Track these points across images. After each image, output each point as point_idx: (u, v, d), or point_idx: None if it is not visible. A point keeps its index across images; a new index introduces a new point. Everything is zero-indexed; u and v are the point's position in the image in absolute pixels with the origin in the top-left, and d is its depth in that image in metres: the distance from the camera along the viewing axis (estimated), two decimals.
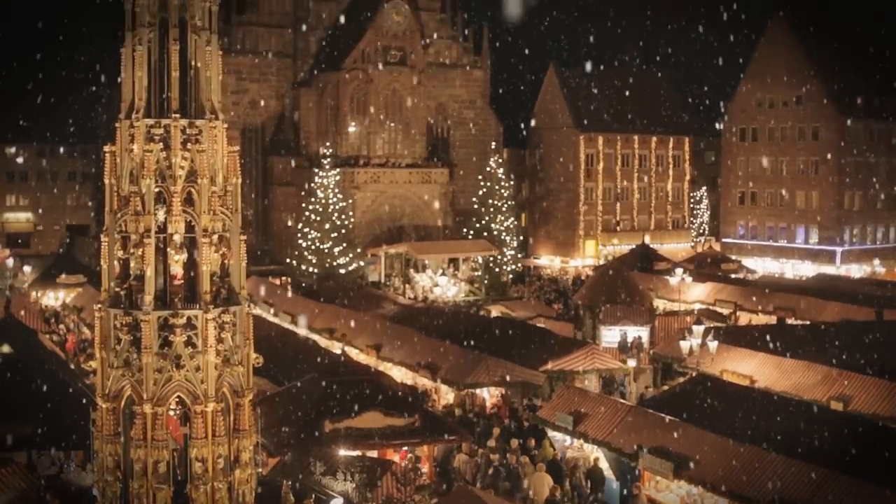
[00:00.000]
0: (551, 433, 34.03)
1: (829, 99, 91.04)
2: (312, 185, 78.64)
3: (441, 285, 75.19)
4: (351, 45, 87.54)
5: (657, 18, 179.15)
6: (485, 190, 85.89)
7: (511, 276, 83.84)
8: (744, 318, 58.03)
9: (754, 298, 59.54)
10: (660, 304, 61.54)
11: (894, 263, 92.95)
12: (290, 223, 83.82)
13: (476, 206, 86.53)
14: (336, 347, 45.25)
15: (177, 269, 17.44)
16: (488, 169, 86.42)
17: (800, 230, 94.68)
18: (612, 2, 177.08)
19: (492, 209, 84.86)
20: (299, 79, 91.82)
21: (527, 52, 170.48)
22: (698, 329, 41.49)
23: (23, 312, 50.40)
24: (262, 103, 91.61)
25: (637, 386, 43.82)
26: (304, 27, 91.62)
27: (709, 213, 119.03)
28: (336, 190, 78.38)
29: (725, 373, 39.15)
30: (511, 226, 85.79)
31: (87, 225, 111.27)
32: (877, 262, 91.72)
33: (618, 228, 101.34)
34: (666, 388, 41.33)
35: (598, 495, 31.35)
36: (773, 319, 54.71)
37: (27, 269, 77.98)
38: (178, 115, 17.36)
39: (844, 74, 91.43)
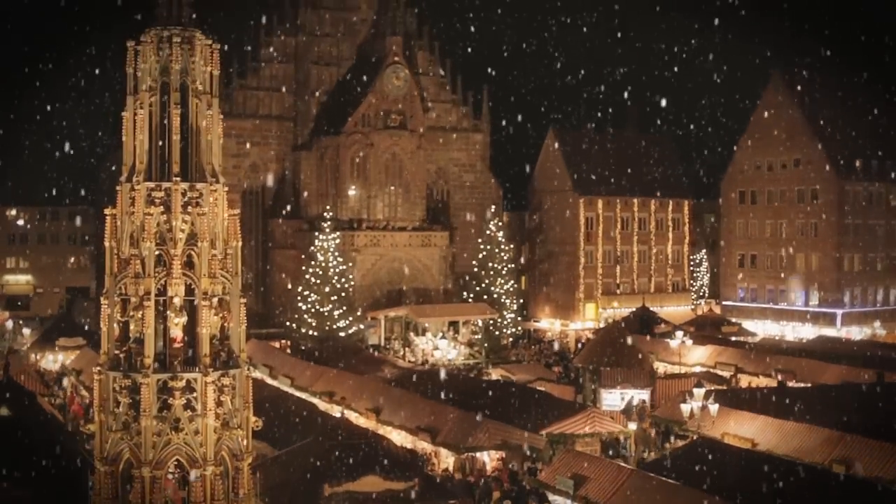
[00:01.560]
0: (552, 497, 33.82)
1: (827, 161, 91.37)
2: (313, 248, 78.74)
3: (441, 348, 74.97)
4: (351, 109, 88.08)
5: (656, 80, 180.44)
6: (485, 253, 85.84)
7: (511, 338, 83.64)
8: (744, 381, 57.83)
9: (755, 361, 59.40)
10: (660, 367, 61.42)
11: (895, 325, 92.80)
12: (290, 286, 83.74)
13: (476, 270, 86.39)
14: (335, 411, 45.07)
15: (176, 332, 17.47)
16: (488, 232, 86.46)
17: (800, 292, 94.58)
18: (611, 64, 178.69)
19: (492, 272, 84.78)
20: (300, 142, 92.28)
21: (527, 114, 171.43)
22: (699, 392, 41.39)
23: (22, 375, 50.13)
24: (263, 166, 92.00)
25: (638, 449, 43.60)
26: (304, 91, 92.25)
27: (709, 275, 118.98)
28: (336, 253, 78.43)
29: (726, 436, 38.98)
30: (511, 289, 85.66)
31: (87, 287, 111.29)
32: (877, 324, 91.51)
33: (618, 291, 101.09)
34: (667, 451, 41.11)
35: None
36: (773, 382, 54.55)
37: (26, 331, 77.82)
38: (178, 179, 17.46)
39: (843, 137, 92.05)
